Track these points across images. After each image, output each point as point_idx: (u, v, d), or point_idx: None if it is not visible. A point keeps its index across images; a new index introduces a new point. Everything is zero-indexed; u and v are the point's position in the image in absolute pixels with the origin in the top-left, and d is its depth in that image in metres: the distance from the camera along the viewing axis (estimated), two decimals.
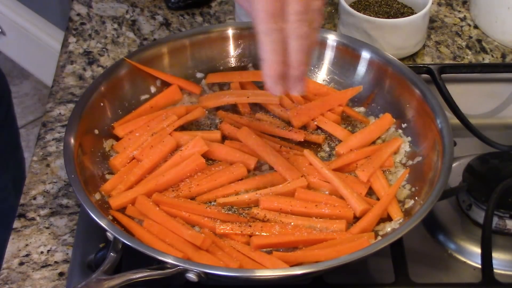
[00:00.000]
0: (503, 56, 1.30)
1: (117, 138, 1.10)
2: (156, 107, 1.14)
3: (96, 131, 1.08)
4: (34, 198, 1.09)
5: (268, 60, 0.87)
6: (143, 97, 1.15)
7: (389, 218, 1.01)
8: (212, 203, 1.03)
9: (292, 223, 1.00)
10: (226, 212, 1.01)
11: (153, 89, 1.16)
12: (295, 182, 1.04)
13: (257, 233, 0.98)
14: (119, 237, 0.92)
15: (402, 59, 1.25)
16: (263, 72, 0.88)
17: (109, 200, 1.02)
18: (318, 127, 1.13)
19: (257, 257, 0.96)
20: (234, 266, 0.94)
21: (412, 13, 1.29)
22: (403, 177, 1.04)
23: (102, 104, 1.10)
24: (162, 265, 0.90)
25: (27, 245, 1.04)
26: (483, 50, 1.31)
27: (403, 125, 1.11)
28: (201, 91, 1.17)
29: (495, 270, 0.97)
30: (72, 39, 1.34)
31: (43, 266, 1.01)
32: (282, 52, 0.86)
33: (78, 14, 1.38)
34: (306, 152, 1.07)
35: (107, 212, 1.00)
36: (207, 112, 1.15)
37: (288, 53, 0.86)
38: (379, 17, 1.27)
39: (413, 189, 1.04)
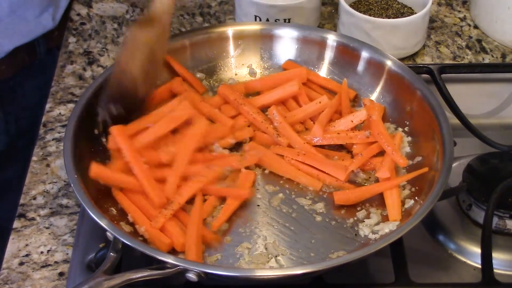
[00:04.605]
0: (503, 56, 1.30)
1: None
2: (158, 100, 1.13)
3: (96, 131, 1.08)
4: (34, 198, 1.09)
5: None
6: None
7: (388, 218, 1.01)
8: None
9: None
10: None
11: None
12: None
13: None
14: (119, 237, 0.92)
15: (402, 59, 1.25)
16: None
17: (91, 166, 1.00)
18: None
19: None
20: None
21: (412, 13, 1.29)
22: (418, 172, 1.03)
23: None
24: (162, 265, 0.90)
25: (27, 245, 1.03)
26: (483, 50, 1.31)
27: (403, 125, 1.11)
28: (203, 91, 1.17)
29: (495, 270, 0.97)
30: (72, 39, 1.33)
31: (43, 266, 1.01)
32: None
33: (78, 14, 1.38)
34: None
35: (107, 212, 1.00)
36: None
37: None
38: (379, 17, 1.27)
39: (413, 189, 1.04)
